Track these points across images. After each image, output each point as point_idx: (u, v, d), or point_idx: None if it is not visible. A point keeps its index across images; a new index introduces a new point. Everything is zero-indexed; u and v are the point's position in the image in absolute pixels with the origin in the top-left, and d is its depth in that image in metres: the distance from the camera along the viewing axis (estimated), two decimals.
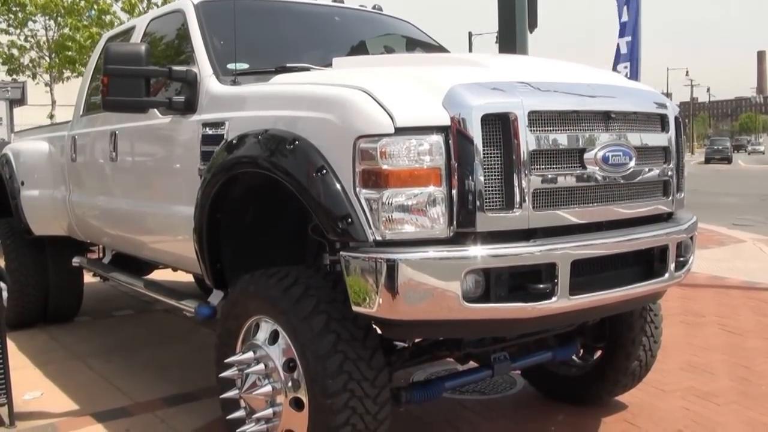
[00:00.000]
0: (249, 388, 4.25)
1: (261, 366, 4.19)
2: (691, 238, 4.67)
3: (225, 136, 4.65)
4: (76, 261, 7.67)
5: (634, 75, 14.21)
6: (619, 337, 5.38)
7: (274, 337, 4.21)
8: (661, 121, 4.52)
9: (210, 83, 5.09)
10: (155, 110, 5.46)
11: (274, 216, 4.75)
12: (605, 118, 4.12)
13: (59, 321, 8.53)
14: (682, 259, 4.55)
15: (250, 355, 4.24)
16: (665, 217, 4.62)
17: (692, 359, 6.88)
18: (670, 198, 4.58)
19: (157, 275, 7.92)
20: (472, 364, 4.96)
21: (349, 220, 3.70)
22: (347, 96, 3.86)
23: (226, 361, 4.35)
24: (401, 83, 3.98)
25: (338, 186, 3.76)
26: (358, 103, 3.78)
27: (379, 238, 3.68)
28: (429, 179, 3.67)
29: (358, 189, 3.71)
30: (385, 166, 3.65)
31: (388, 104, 3.70)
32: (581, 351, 5.69)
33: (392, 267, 3.59)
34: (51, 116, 28.10)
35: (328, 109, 3.91)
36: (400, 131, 3.65)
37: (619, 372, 5.45)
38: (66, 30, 27.35)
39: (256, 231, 4.83)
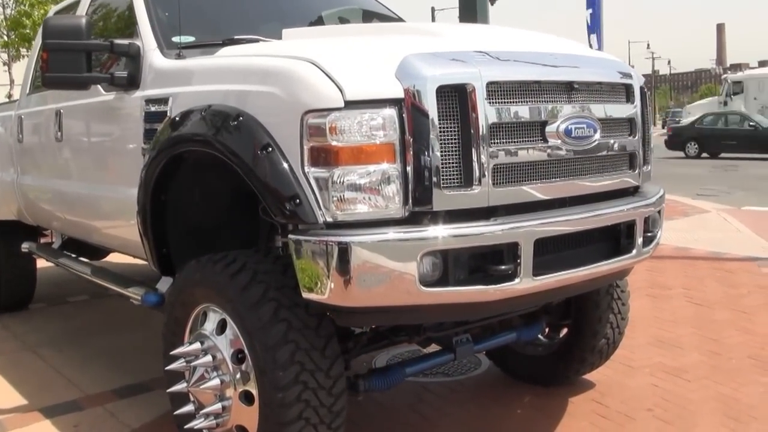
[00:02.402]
0: (196, 382, 3.98)
1: (208, 358, 3.92)
2: (659, 211, 4.48)
3: (168, 113, 4.35)
4: (25, 246, 7.31)
5: (598, 47, 14.06)
6: (585, 315, 5.17)
7: (222, 327, 3.94)
8: (626, 92, 4.30)
9: (153, 57, 4.78)
10: (99, 87, 5.13)
11: (223, 197, 4.47)
12: (568, 89, 3.88)
13: (12, 309, 8.16)
14: (649, 234, 4.35)
15: (197, 346, 3.97)
16: (632, 191, 4.42)
17: (660, 333, 6.71)
18: (637, 171, 4.36)
19: (117, 258, 7.56)
20: (435, 347, 4.77)
21: (297, 200, 3.43)
22: (293, 68, 3.58)
23: (171, 353, 4.08)
24: (352, 54, 3.71)
25: (285, 164, 3.49)
26: (304, 76, 3.50)
27: (329, 219, 3.42)
28: (382, 156, 3.41)
29: (306, 167, 3.44)
30: (334, 143, 3.38)
31: (337, 76, 3.43)
32: (547, 330, 5.50)
33: (344, 250, 3.34)
34: (9, 96, 27.44)
35: (274, 83, 3.63)
36: (351, 105, 3.38)
37: (586, 350, 5.25)
38: (24, 7, 26.66)
39: (204, 213, 4.54)
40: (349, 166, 3.39)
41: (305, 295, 3.50)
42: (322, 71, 3.46)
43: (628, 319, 5.39)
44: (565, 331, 5.41)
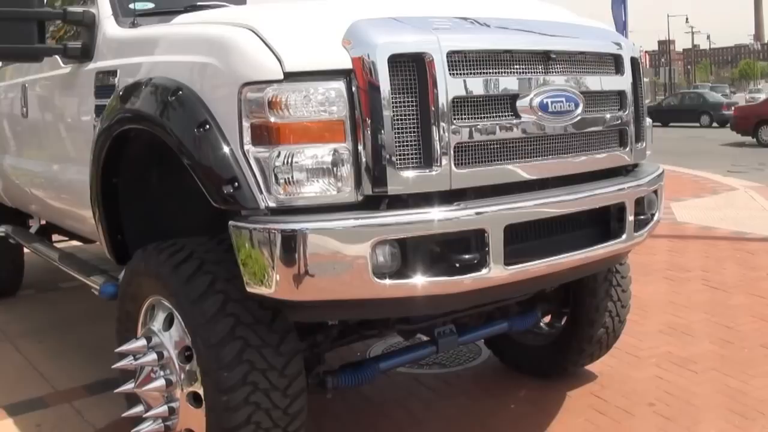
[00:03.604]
0: (143, 382, 3.70)
1: (154, 356, 3.64)
2: (656, 191, 4.14)
3: (116, 87, 4.04)
4: (0, 230, 7.03)
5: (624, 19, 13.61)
6: (581, 304, 4.85)
7: (170, 322, 3.66)
8: (615, 63, 3.95)
9: (107, 26, 4.43)
10: (58, 59, 4.82)
11: (179, 180, 4.16)
12: (544, 59, 3.55)
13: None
14: (643, 217, 4.01)
15: (142, 343, 3.69)
16: (626, 171, 4.11)
17: (672, 320, 6.38)
18: (629, 148, 4.02)
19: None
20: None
21: (236, 184, 3.13)
22: (230, 36, 3.27)
23: (116, 350, 3.80)
24: (296, 20, 3.39)
25: (223, 144, 3.19)
26: (241, 44, 3.19)
27: (272, 204, 3.12)
28: (329, 134, 3.11)
29: (246, 147, 3.14)
30: (274, 119, 3.07)
31: (276, 45, 3.12)
32: (549, 317, 5.20)
33: (289, 239, 3.04)
34: None
35: (212, 52, 3.33)
36: (292, 77, 3.08)
37: (584, 341, 4.93)
38: None
39: (162, 198, 4.24)
40: (293, 146, 3.08)
41: (249, 289, 3.21)
42: (261, 40, 3.15)
43: (630, 307, 5.06)
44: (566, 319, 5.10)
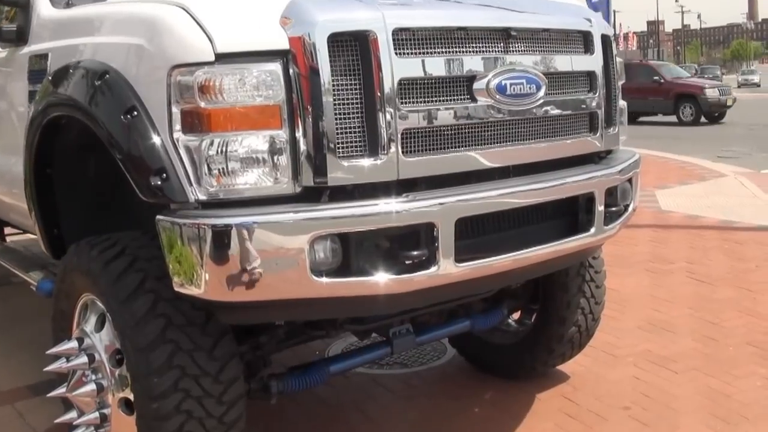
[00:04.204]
0: (74, 386, 3.54)
1: (84, 359, 3.47)
2: (630, 180, 3.99)
3: (47, 71, 3.86)
4: None
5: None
6: (551, 301, 4.70)
7: (102, 323, 3.49)
8: (584, 41, 3.80)
9: (42, 6, 4.25)
10: None
11: (116, 169, 3.98)
12: (503, 37, 3.40)
13: None
14: (615, 208, 3.87)
15: (73, 344, 3.53)
16: (597, 158, 3.96)
17: (653, 315, 6.22)
18: (599, 134, 3.88)
19: None
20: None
21: (164, 175, 2.96)
22: (160, 15, 3.10)
23: (48, 351, 3.63)
24: None
25: (152, 132, 3.02)
26: (171, 24, 3.02)
27: (203, 197, 2.95)
28: (265, 120, 2.94)
29: (176, 135, 2.97)
30: (205, 105, 2.91)
31: (208, 24, 2.95)
32: (517, 314, 5.04)
33: (220, 234, 2.88)
34: None
35: (141, 33, 3.16)
36: (224, 58, 2.91)
37: (554, 340, 4.77)
38: None
39: (98, 189, 4.06)
40: (225, 133, 2.92)
41: (178, 289, 3.05)
42: (193, 18, 2.98)
43: (604, 303, 4.90)
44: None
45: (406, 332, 4.06)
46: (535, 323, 4.84)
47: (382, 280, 3.04)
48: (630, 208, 4.03)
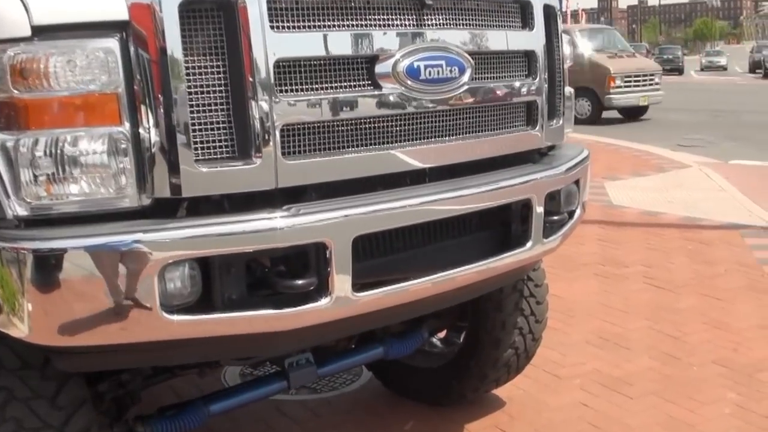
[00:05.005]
0: None
1: None
2: (577, 182, 3.54)
3: None
4: None
5: None
6: (483, 320, 4.20)
7: None
8: (522, 14, 3.32)
9: None
10: None
11: None
12: (416, 6, 2.88)
13: None
14: (556, 217, 3.42)
15: None
16: (539, 156, 3.54)
17: (604, 328, 5.78)
18: (538, 127, 3.42)
19: None
20: None
21: None
22: None
23: None
24: None
25: None
26: None
27: (24, 213, 2.39)
28: (99, 113, 2.38)
29: None
30: (21, 94, 2.33)
31: None
32: (444, 332, 4.53)
33: (43, 261, 2.32)
34: None
35: None
36: (44, 33, 2.33)
37: (487, 365, 4.29)
38: None
39: None
40: (49, 131, 2.35)
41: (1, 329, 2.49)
42: None
43: (546, 322, 4.43)
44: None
45: (305, 363, 3.54)
46: (464, 345, 4.35)
47: (256, 316, 2.52)
48: (576, 215, 3.60)
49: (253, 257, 2.50)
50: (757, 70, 59.02)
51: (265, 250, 2.48)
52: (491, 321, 4.16)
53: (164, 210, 2.45)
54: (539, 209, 3.22)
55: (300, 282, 2.54)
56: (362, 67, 2.72)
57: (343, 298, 2.59)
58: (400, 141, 2.85)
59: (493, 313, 4.14)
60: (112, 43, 2.35)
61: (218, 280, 2.46)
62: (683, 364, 5.11)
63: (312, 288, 2.56)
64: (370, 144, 2.77)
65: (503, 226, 3.23)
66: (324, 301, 2.57)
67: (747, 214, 9.39)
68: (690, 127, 20.71)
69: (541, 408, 4.57)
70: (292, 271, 2.57)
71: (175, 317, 2.40)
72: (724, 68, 69.87)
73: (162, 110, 2.37)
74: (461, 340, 4.42)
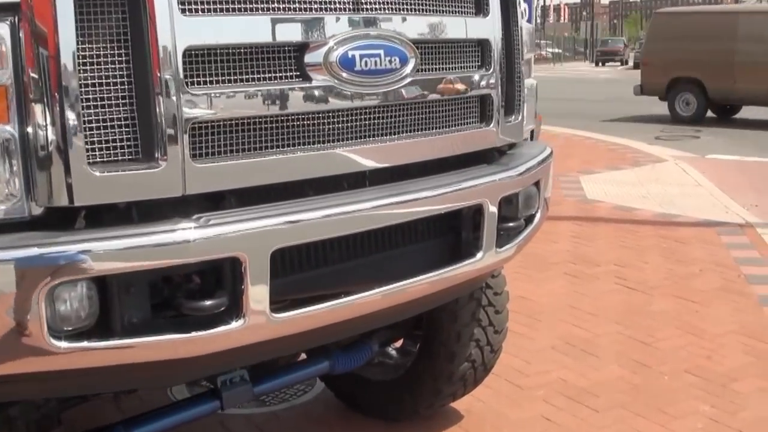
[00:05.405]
0: None
1: None
2: (537, 184, 3.29)
3: None
4: None
5: None
6: (437, 331, 3.93)
7: None
8: None
9: None
10: None
11: None
12: None
13: None
14: (513, 223, 3.17)
15: None
16: (497, 155, 3.29)
17: (572, 332, 5.52)
18: (493, 124, 3.16)
19: None
20: None
21: None
22: None
23: None
24: None
25: None
26: None
27: None
28: None
29: None
30: None
31: None
32: (401, 341, 4.26)
33: None
34: None
35: None
36: None
37: (441, 379, 4.01)
38: None
39: None
40: None
41: None
42: None
43: (506, 332, 4.16)
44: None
45: (240, 381, 3.24)
46: (417, 358, 4.07)
47: (161, 342, 2.24)
48: (536, 220, 3.36)
49: (155, 275, 2.22)
50: None
51: (168, 267, 2.21)
52: (446, 332, 3.89)
53: (59, 221, 2.18)
54: (492, 216, 2.97)
55: (208, 303, 2.29)
56: (289, 57, 2.45)
57: (259, 319, 2.33)
58: (333, 141, 2.59)
59: (447, 324, 3.87)
60: (2, 29, 2.07)
61: (117, 302, 2.20)
62: (654, 373, 4.87)
63: (224, 309, 2.29)
64: (298, 144, 2.50)
65: (453, 235, 3.00)
66: (236, 324, 2.31)
67: (724, 210, 9.22)
68: (668, 119, 20.49)
69: (500, 423, 4.31)
70: (201, 290, 2.31)
71: (65, 344, 2.13)
72: None
73: (54, 106, 2.09)
74: (417, 349, 4.15)
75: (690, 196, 10.08)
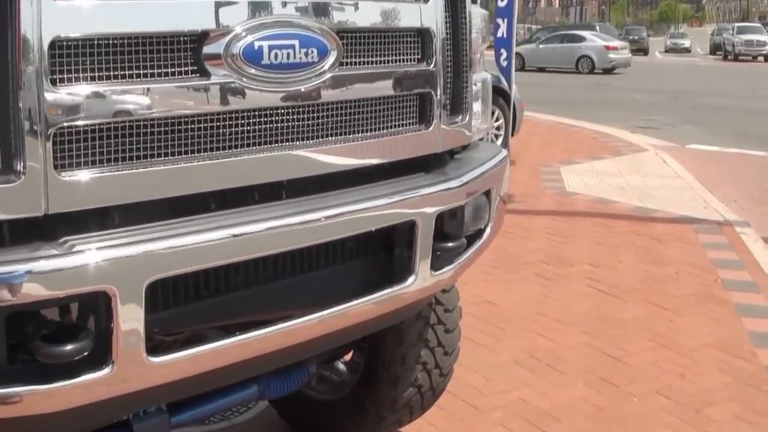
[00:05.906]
0: None
1: None
2: (488, 194, 2.93)
3: None
4: None
5: None
6: (380, 352, 3.56)
7: None
8: None
9: None
10: None
11: None
12: None
13: None
14: (453, 243, 2.81)
15: None
16: (438, 162, 2.89)
17: (538, 343, 5.19)
18: (434, 126, 2.78)
19: None
20: None
21: None
22: None
23: None
24: None
25: None
26: None
27: None
28: None
29: None
30: None
31: None
32: (350, 354, 3.87)
33: None
34: None
35: None
36: None
37: (383, 406, 3.65)
38: None
39: None
40: None
41: None
42: None
43: (458, 352, 3.78)
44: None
45: (155, 411, 2.87)
46: (357, 383, 3.70)
47: (10, 395, 1.86)
48: (485, 235, 2.99)
49: (6, 312, 1.84)
50: (717, 52, 61.07)
51: (19, 304, 1.82)
52: (389, 354, 3.52)
53: None
54: (427, 234, 2.62)
55: (68, 347, 1.90)
56: (183, 49, 2.07)
57: (130, 365, 1.96)
58: (235, 147, 2.21)
59: (391, 346, 3.50)
60: None
61: None
62: (622, 395, 4.53)
63: (87, 354, 1.92)
64: (192, 152, 2.13)
65: (386, 254, 2.64)
66: (103, 372, 1.94)
67: (702, 205, 9.06)
68: (650, 108, 20.36)
69: None
70: (59, 331, 1.93)
71: None
72: (687, 50, 71.60)
73: None
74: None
75: (669, 189, 9.93)
